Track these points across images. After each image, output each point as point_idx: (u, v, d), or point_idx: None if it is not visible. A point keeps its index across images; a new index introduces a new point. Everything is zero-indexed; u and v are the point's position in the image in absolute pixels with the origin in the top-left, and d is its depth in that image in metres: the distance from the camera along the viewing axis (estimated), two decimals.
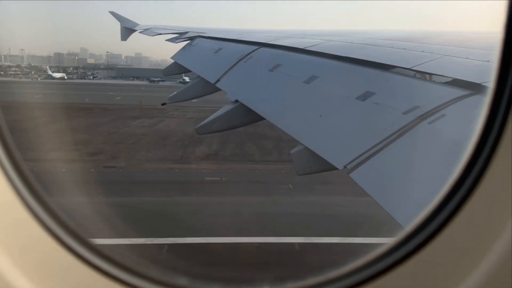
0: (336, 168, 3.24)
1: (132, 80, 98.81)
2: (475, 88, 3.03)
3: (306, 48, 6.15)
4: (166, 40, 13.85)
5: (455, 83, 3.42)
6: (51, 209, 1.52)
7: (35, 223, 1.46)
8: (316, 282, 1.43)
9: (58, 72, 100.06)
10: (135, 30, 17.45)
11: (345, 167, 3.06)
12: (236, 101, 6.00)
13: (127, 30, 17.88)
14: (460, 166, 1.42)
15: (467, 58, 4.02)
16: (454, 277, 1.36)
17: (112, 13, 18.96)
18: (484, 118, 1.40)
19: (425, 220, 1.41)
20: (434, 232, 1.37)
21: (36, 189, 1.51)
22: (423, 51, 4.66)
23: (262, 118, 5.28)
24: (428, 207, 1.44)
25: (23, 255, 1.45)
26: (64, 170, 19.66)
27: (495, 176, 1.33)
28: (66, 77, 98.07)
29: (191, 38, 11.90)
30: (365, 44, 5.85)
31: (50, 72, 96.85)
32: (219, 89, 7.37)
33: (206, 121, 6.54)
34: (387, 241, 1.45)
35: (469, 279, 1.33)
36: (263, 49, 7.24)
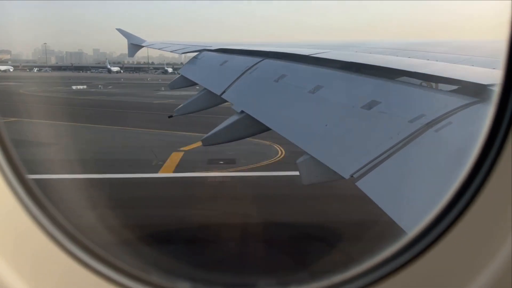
0: (342, 177, 3.21)
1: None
2: (482, 95, 3.01)
3: (311, 55, 6.17)
4: (170, 51, 14.07)
5: (461, 91, 3.40)
6: (48, 211, 1.51)
7: (32, 224, 1.46)
8: (320, 286, 1.42)
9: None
10: (142, 46, 17.61)
11: (351, 176, 3.04)
12: (242, 112, 6.03)
13: (134, 46, 17.99)
14: (465, 171, 1.41)
15: (472, 65, 4.01)
16: (457, 282, 1.34)
17: (119, 30, 19.06)
18: (489, 123, 1.39)
19: (430, 224, 1.40)
20: (439, 237, 1.36)
21: (34, 192, 1.51)
22: (428, 60, 4.65)
23: (268, 129, 5.29)
24: (433, 212, 1.42)
25: (19, 257, 1.44)
26: None
27: (500, 181, 1.32)
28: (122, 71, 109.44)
29: (197, 51, 12.02)
30: (370, 53, 5.86)
31: (109, 66, 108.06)
32: (225, 101, 7.41)
33: (212, 132, 6.57)
34: (391, 246, 1.44)
35: (472, 285, 1.31)
36: (268, 60, 7.29)
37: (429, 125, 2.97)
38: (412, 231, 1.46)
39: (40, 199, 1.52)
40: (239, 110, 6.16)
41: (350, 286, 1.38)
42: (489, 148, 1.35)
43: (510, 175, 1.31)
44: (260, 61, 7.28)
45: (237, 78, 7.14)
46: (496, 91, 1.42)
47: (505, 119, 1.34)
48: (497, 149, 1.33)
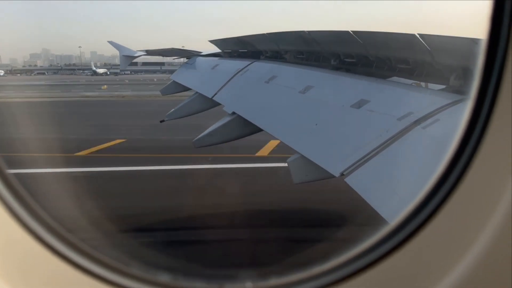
0: (333, 176, 3.24)
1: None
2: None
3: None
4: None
5: (450, 89, 3.45)
6: (31, 208, 1.47)
7: (14, 223, 1.42)
8: (300, 278, 1.42)
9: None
10: (135, 57, 17.45)
11: (342, 174, 3.07)
12: (233, 113, 6.05)
13: (126, 57, 17.77)
14: (444, 162, 1.44)
15: None
16: (436, 273, 1.37)
17: (111, 42, 18.81)
18: (466, 120, 1.42)
19: (410, 214, 1.42)
20: (418, 228, 1.38)
21: (16, 189, 1.47)
22: None
23: (259, 129, 5.31)
24: (413, 202, 1.45)
25: (3, 258, 1.40)
26: None
27: (479, 171, 1.35)
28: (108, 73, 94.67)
29: (188, 57, 12.02)
30: None
31: (94, 68, 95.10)
32: (217, 104, 7.42)
33: (203, 134, 6.58)
34: (372, 237, 1.45)
35: (451, 274, 1.34)
36: (258, 62, 7.33)
37: (417, 122, 3.01)
38: (392, 222, 1.48)
39: (23, 196, 1.46)
40: (230, 112, 6.19)
41: (329, 278, 1.38)
42: (465, 144, 1.39)
43: (489, 166, 1.35)
44: (251, 63, 7.32)
45: (228, 80, 7.17)
46: (473, 88, 1.46)
47: (481, 117, 1.37)
48: (474, 145, 1.36)
